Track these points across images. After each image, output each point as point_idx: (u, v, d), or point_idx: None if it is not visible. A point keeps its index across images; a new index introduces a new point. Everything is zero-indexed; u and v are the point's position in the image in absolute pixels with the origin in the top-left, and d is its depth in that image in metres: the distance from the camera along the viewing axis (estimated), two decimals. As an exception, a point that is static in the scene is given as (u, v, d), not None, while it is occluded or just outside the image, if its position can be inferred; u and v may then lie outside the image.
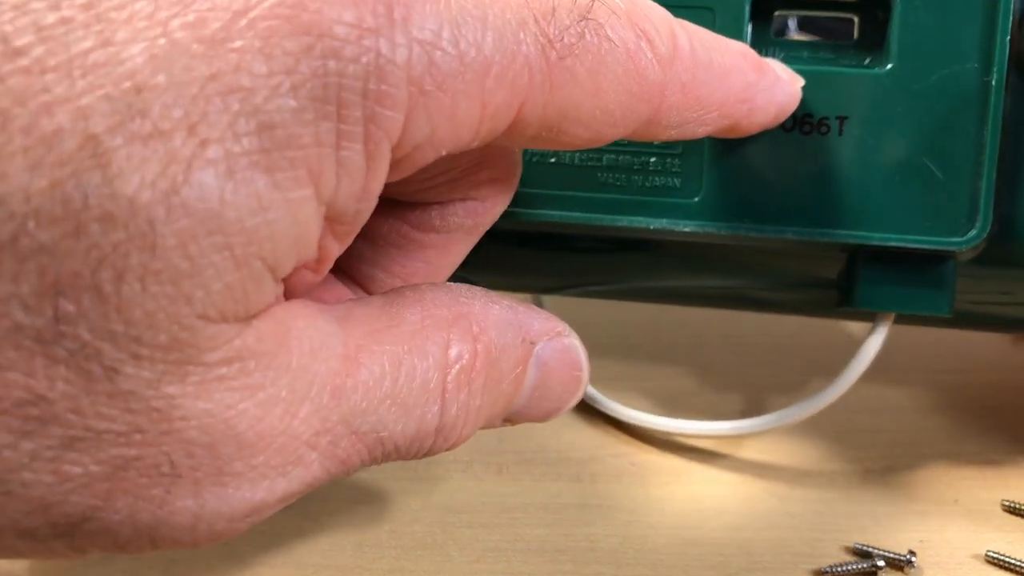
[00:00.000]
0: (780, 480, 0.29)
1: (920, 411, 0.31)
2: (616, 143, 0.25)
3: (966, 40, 0.24)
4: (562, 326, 0.21)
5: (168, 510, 0.16)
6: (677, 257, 0.28)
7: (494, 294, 0.20)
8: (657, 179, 0.26)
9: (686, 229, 0.26)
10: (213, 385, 0.15)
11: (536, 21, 0.17)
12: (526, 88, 0.17)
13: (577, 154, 0.26)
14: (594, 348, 0.32)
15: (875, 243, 0.25)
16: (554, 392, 0.21)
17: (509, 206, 0.25)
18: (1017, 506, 0.27)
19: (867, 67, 0.25)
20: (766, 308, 0.29)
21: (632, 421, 0.31)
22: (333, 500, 0.28)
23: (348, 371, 0.17)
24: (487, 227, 0.23)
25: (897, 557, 0.26)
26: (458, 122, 0.16)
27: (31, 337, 0.14)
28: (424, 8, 0.16)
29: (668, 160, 0.26)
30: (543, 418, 0.21)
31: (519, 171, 0.23)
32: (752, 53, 0.22)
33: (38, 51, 0.14)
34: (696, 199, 0.26)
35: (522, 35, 0.17)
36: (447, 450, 0.19)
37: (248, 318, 0.15)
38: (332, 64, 0.15)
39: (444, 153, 0.17)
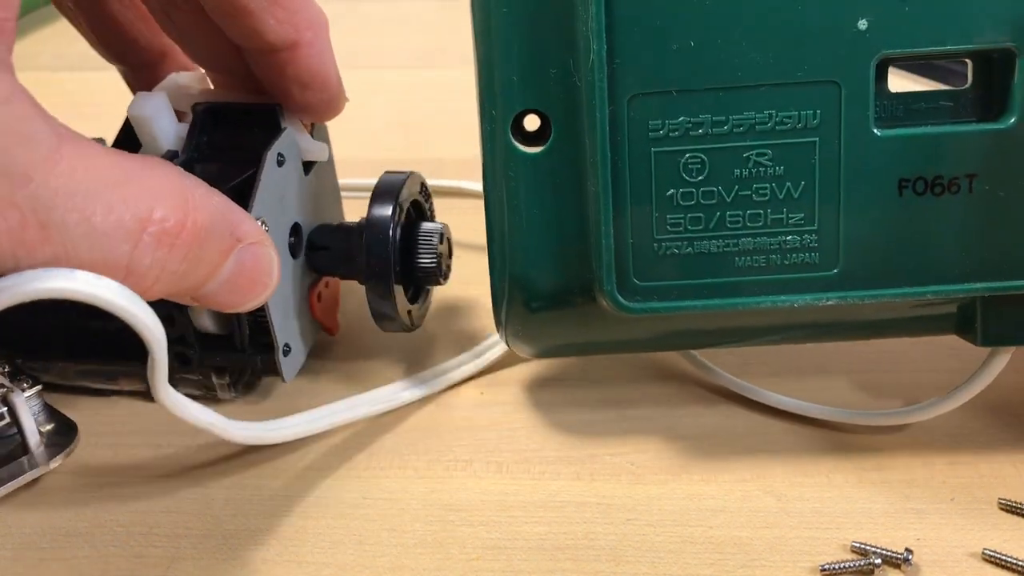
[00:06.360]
0: (778, 479, 0.29)
1: (917, 410, 0.32)
2: (753, 225, 0.26)
3: None
4: (265, 237, 0.25)
5: None
6: (813, 318, 0.28)
7: (216, 191, 0.23)
8: (795, 256, 0.26)
9: (830, 302, 0.26)
10: None
11: None
12: None
13: (714, 242, 0.26)
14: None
15: (1011, 291, 0.26)
16: (243, 288, 0.24)
17: (649, 300, 0.26)
18: (1013, 504, 0.28)
19: (990, 122, 0.25)
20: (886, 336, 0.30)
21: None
22: (334, 499, 0.29)
23: (46, 168, 0.19)
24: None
25: (894, 555, 0.26)
26: None
27: None
28: None
29: (805, 236, 0.26)
30: (226, 307, 0.24)
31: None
32: None
33: None
34: (836, 271, 0.26)
35: None
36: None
37: None
38: None
39: None
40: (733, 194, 0.26)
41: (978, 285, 0.26)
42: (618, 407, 0.32)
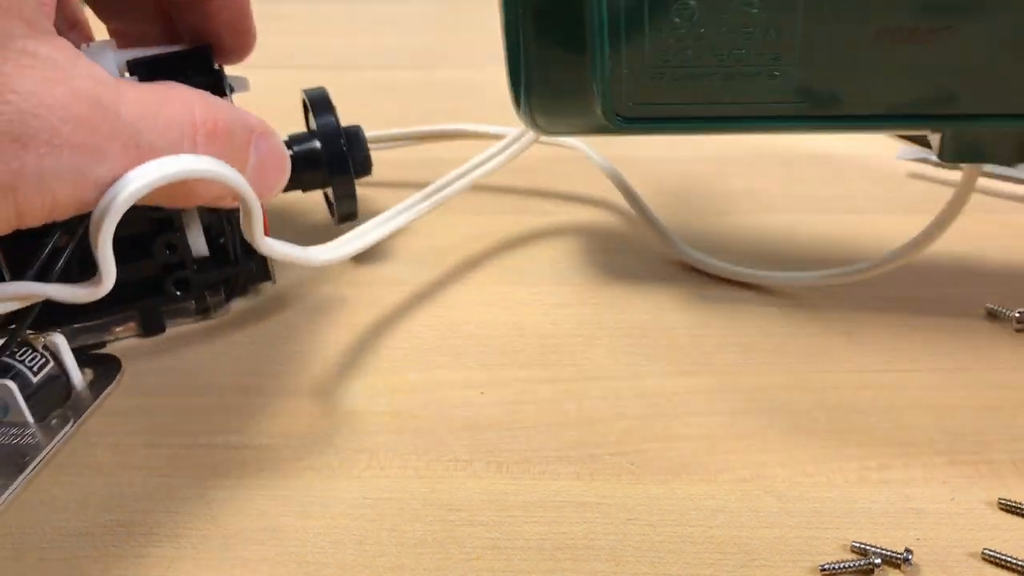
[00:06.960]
0: (778, 479, 0.29)
1: (916, 409, 0.32)
2: (735, 64, 0.29)
3: None
4: (271, 128, 0.27)
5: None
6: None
7: (215, 96, 0.26)
8: (772, 94, 0.30)
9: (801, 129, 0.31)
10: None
11: None
12: None
13: (698, 78, 0.30)
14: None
15: (969, 126, 0.29)
16: (269, 173, 0.27)
17: (637, 121, 0.31)
18: (1013, 504, 0.28)
19: None
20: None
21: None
22: (334, 499, 0.29)
23: (124, 103, 0.23)
24: None
25: (894, 555, 0.26)
26: None
27: None
28: None
29: (783, 75, 0.29)
30: (260, 196, 0.26)
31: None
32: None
33: None
34: (807, 104, 0.29)
35: None
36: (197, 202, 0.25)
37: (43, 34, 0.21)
38: None
39: None
40: (719, 36, 0.29)
41: (938, 122, 0.29)
42: (619, 406, 0.32)
